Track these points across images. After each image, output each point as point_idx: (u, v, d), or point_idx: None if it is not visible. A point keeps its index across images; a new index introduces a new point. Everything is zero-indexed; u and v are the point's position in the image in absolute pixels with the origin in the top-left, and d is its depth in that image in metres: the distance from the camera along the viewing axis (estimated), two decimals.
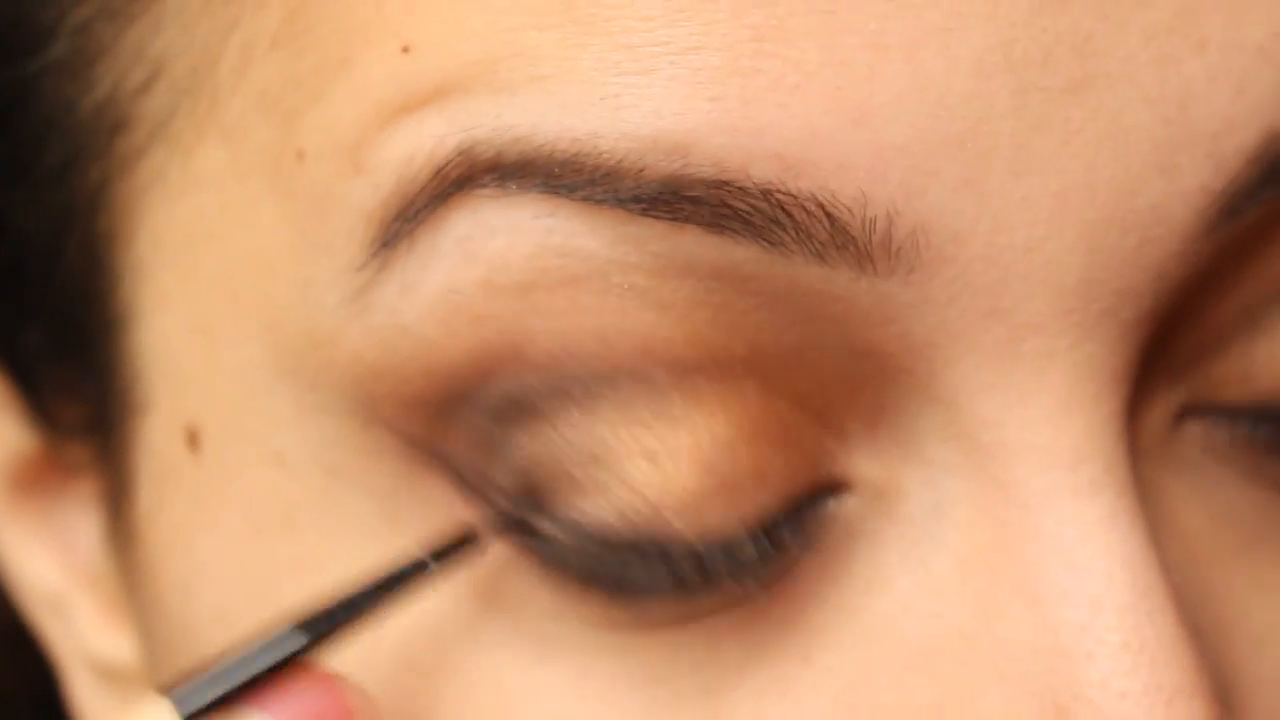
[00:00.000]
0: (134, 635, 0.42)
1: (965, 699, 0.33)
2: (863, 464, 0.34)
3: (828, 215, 0.31)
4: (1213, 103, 0.32)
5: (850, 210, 0.31)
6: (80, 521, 0.43)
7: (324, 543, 0.35)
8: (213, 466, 0.36)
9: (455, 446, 0.34)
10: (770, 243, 0.32)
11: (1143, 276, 0.32)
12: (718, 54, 0.31)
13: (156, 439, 0.37)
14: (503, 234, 0.32)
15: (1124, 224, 0.32)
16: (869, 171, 0.31)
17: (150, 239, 0.37)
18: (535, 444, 0.33)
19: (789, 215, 0.31)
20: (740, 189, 0.31)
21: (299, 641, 0.33)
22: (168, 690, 0.33)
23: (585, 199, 0.32)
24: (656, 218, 0.32)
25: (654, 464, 0.33)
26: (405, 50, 0.33)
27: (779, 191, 0.31)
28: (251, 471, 0.36)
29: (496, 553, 0.34)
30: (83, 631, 0.43)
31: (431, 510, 0.34)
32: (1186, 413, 0.35)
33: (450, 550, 0.34)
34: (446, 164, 0.32)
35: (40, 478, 0.42)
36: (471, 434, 0.33)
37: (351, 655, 0.35)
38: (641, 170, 0.31)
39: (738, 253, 0.32)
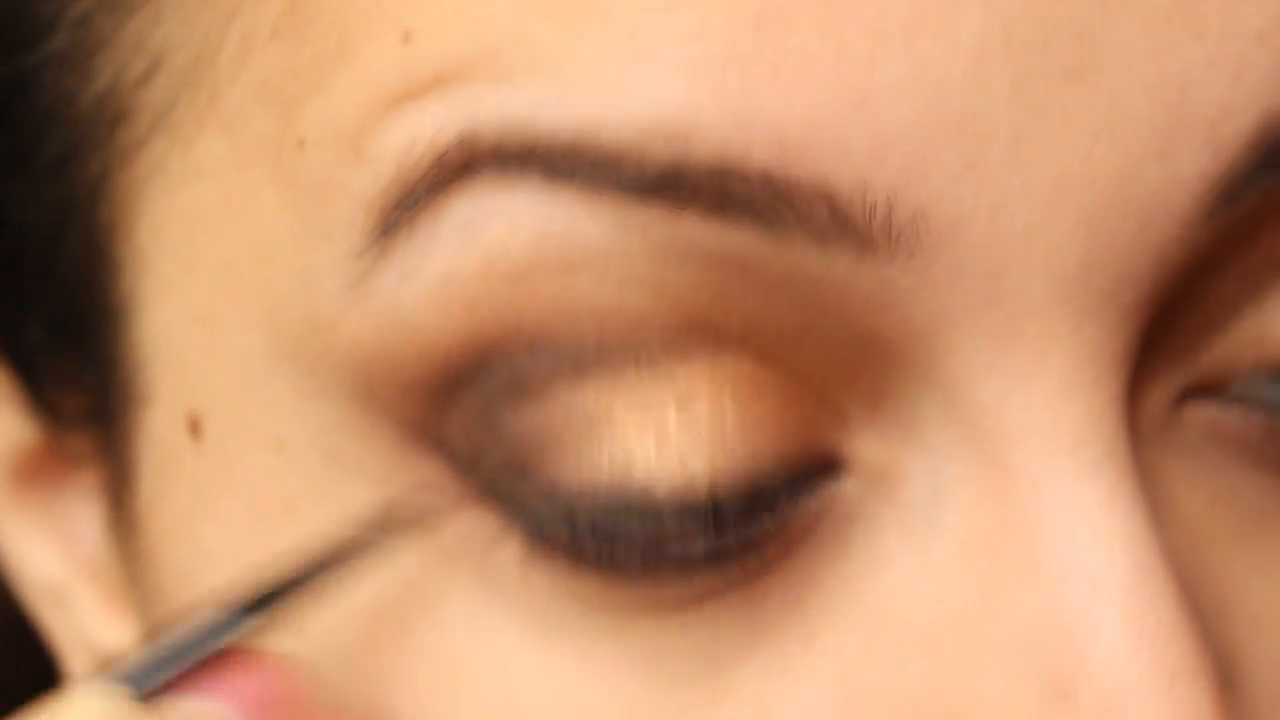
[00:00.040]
0: (136, 626, 0.42)
1: (966, 680, 0.33)
2: (862, 447, 0.34)
3: (828, 200, 0.31)
4: (1211, 89, 0.32)
5: (850, 195, 0.31)
6: (82, 513, 0.43)
7: (321, 530, 0.35)
8: (214, 454, 0.36)
9: (450, 430, 0.34)
10: (771, 228, 0.32)
11: (1142, 261, 0.33)
12: (718, 41, 0.31)
13: (158, 428, 0.37)
14: (502, 221, 0.32)
15: (1123, 209, 0.32)
16: (869, 157, 0.31)
17: (151, 229, 0.37)
18: (526, 419, 0.33)
19: (789, 200, 0.31)
20: (741, 175, 0.31)
21: (243, 621, 0.33)
22: (109, 670, 0.33)
23: (586, 186, 0.32)
24: (657, 204, 0.32)
25: (641, 424, 0.33)
26: (405, 39, 0.33)
27: (779, 177, 0.31)
28: (252, 458, 0.36)
29: (488, 533, 0.34)
30: (84, 622, 0.43)
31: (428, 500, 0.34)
32: (1187, 396, 0.35)
33: (396, 522, 0.34)
34: (447, 152, 0.32)
35: (42, 469, 0.43)
36: (466, 416, 0.33)
37: (352, 642, 0.35)
38: (642, 157, 0.32)
39: (738, 238, 0.32)
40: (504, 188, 0.32)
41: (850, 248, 0.32)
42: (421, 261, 0.33)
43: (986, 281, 0.32)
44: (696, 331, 0.33)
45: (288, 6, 0.34)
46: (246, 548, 0.36)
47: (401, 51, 0.33)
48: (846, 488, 0.34)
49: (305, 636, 0.36)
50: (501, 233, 0.32)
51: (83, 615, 0.43)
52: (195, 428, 0.37)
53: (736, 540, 0.33)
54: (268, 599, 0.34)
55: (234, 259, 0.35)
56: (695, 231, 0.32)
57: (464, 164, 0.32)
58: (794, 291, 0.32)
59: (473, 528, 0.34)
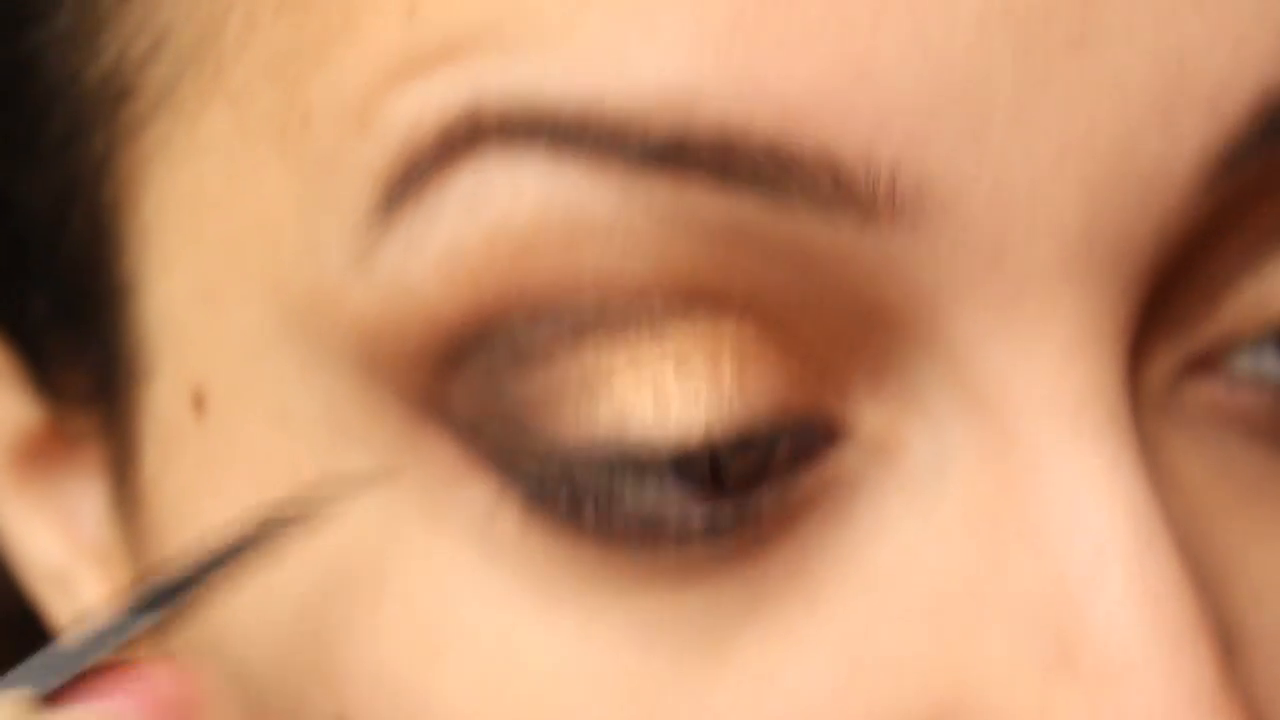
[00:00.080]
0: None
1: (970, 645, 0.33)
2: (864, 416, 0.34)
3: (831, 169, 0.32)
4: (1211, 60, 0.33)
5: (854, 164, 0.32)
6: (84, 496, 0.43)
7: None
8: (218, 429, 0.36)
9: (454, 399, 0.34)
10: (774, 197, 0.32)
11: (1144, 231, 0.33)
12: (721, 11, 0.32)
13: (162, 404, 0.38)
14: (508, 192, 0.33)
15: (1125, 179, 0.32)
16: (872, 126, 0.32)
17: (155, 206, 0.37)
18: (527, 384, 0.33)
19: (793, 169, 0.32)
20: (745, 144, 0.32)
21: (139, 621, 0.33)
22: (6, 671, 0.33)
23: (591, 156, 0.32)
24: (662, 173, 0.32)
25: (639, 381, 0.33)
26: (410, 12, 0.33)
27: (783, 146, 0.32)
28: (256, 432, 0.36)
29: (489, 500, 0.34)
30: (87, 605, 0.43)
31: (430, 470, 0.34)
32: (1188, 371, 0.35)
33: (287, 517, 0.34)
34: (453, 124, 0.33)
35: (44, 452, 0.43)
36: (469, 385, 0.34)
37: (356, 612, 0.35)
38: (646, 127, 0.32)
39: (742, 207, 0.32)
40: (509, 159, 0.33)
41: (853, 216, 0.32)
42: (426, 233, 0.33)
43: (989, 250, 0.32)
44: (699, 298, 0.33)
45: None
46: None
47: (406, 25, 0.33)
48: (848, 457, 0.34)
49: (308, 606, 0.36)
50: (507, 204, 0.33)
51: (86, 598, 0.43)
52: (199, 402, 0.37)
53: (735, 510, 0.33)
54: (163, 598, 0.34)
55: (239, 234, 0.35)
56: (700, 201, 0.32)
57: (469, 136, 0.33)
58: (797, 260, 0.33)
59: (474, 496, 0.34)
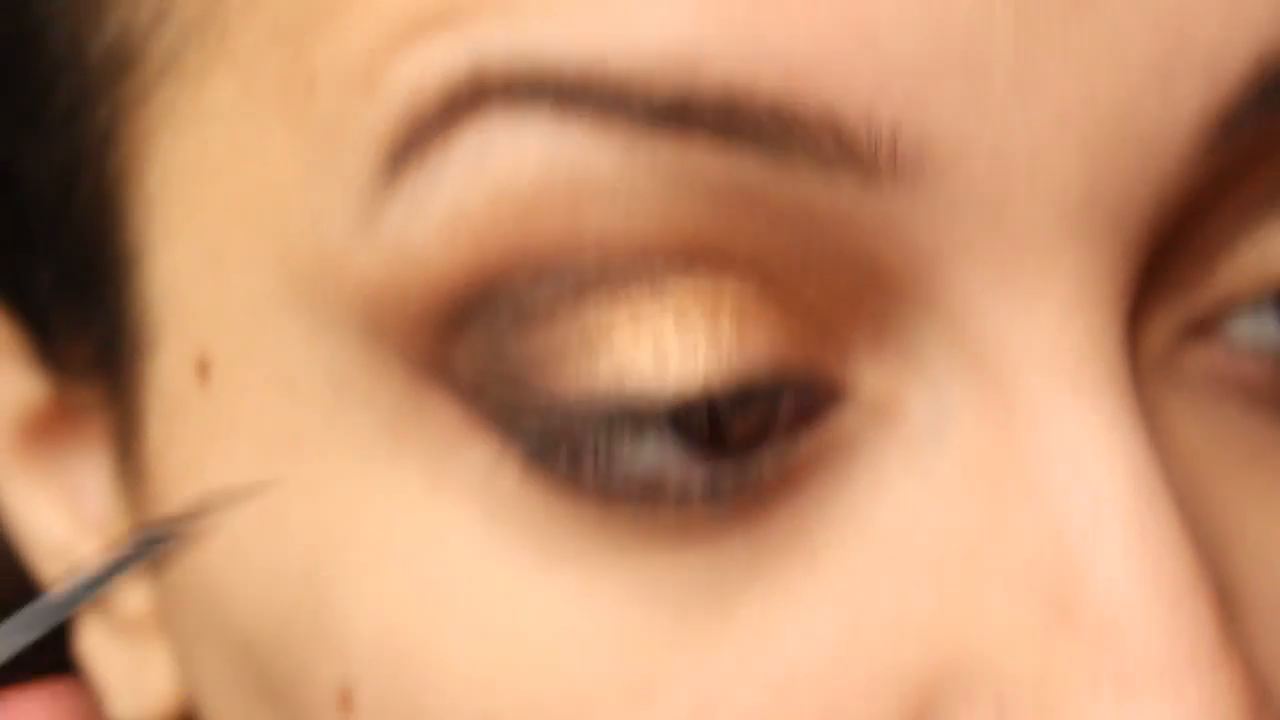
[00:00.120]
0: (144, 583, 0.42)
1: (970, 603, 0.33)
2: (864, 377, 0.34)
3: (834, 129, 0.32)
4: (1208, 25, 0.33)
5: (856, 124, 0.32)
6: (88, 471, 0.43)
7: (330, 465, 0.35)
8: (222, 395, 0.37)
9: (457, 361, 0.34)
10: (777, 156, 0.32)
11: (1143, 193, 0.33)
12: None
13: (166, 373, 0.38)
14: (511, 153, 0.33)
15: (1124, 141, 0.33)
16: (874, 86, 0.32)
17: (160, 175, 0.37)
18: (529, 343, 0.33)
19: (796, 129, 0.32)
20: (748, 103, 0.32)
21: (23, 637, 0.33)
22: None
23: (594, 116, 0.32)
24: (665, 133, 0.32)
25: (638, 335, 0.33)
26: None
27: (786, 106, 0.32)
28: (261, 397, 0.36)
29: (489, 460, 0.34)
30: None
31: (432, 433, 0.35)
32: (1187, 337, 0.35)
33: (149, 547, 0.34)
34: (456, 86, 0.33)
35: (48, 428, 0.43)
36: (472, 347, 0.34)
37: (358, 574, 0.35)
38: (650, 86, 0.32)
39: (745, 167, 0.32)
40: (513, 120, 0.33)
41: (855, 176, 0.32)
42: (430, 195, 0.33)
43: (989, 211, 0.33)
44: (701, 257, 0.33)
45: None
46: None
47: None
48: (848, 418, 0.34)
49: (311, 573, 0.36)
50: (510, 165, 0.33)
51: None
52: (203, 370, 0.37)
53: (735, 472, 0.33)
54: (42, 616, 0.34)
55: (244, 200, 0.36)
56: (703, 160, 0.32)
57: (472, 98, 0.33)
58: (799, 220, 0.33)
59: (476, 457, 0.34)
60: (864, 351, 0.34)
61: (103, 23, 0.37)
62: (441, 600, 0.35)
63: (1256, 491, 0.35)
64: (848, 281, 0.33)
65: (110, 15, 0.37)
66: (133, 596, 0.42)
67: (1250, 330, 0.36)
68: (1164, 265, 0.35)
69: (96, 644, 0.44)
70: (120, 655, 0.43)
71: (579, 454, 0.33)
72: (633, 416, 0.33)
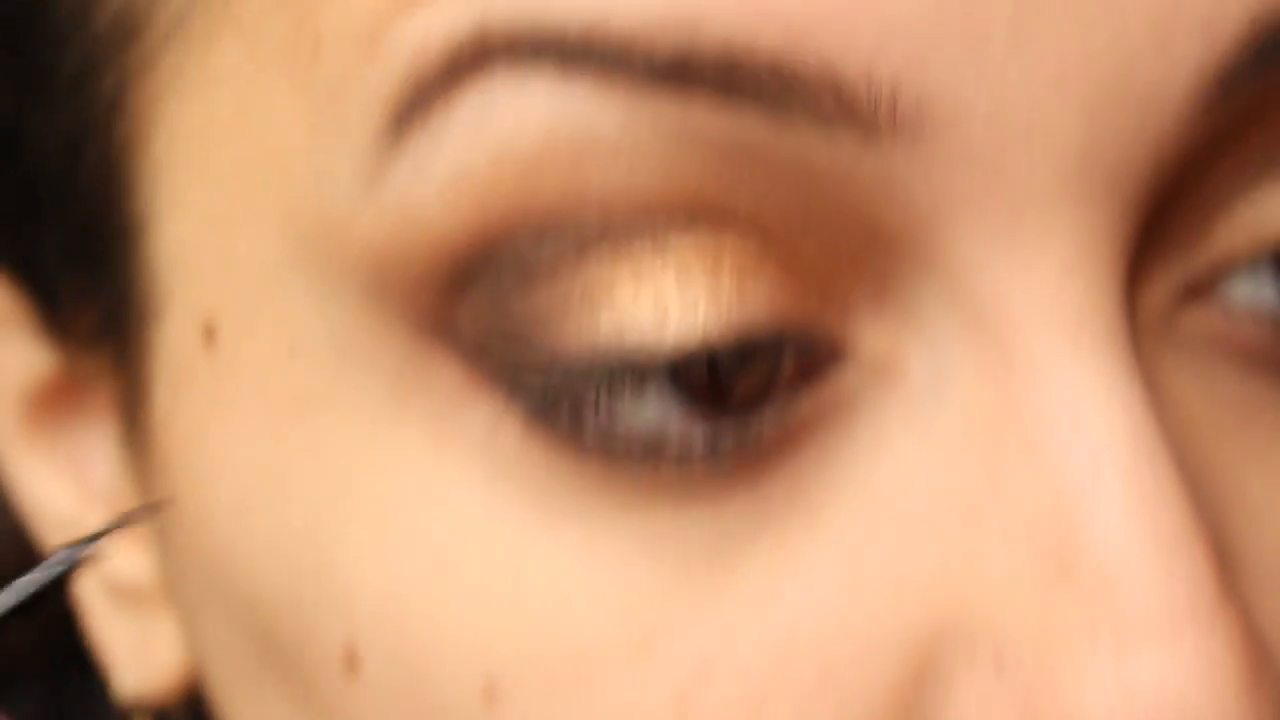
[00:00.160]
0: (150, 553, 0.42)
1: (969, 560, 0.34)
2: (864, 336, 0.34)
3: (834, 87, 0.32)
4: None
5: (855, 82, 0.32)
6: (94, 443, 0.43)
7: (334, 427, 0.36)
8: (228, 360, 0.37)
9: (461, 321, 0.34)
10: (777, 114, 0.32)
11: (1141, 152, 0.33)
12: None
13: (172, 339, 0.38)
14: (514, 113, 0.33)
15: (1122, 100, 0.33)
16: (873, 45, 0.32)
17: (166, 141, 0.37)
18: (532, 300, 0.34)
19: (796, 87, 0.32)
20: (748, 61, 0.32)
21: None
22: None
23: (597, 75, 0.33)
24: (667, 91, 0.32)
25: (639, 291, 0.33)
26: None
27: (786, 63, 0.32)
28: (266, 360, 0.36)
29: (491, 417, 0.34)
30: (98, 553, 0.43)
31: (436, 392, 0.35)
32: (1185, 299, 0.36)
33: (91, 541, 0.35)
34: (460, 46, 0.33)
35: (54, 400, 0.43)
36: (475, 306, 0.34)
37: (361, 535, 0.35)
38: (651, 44, 0.32)
39: (746, 125, 0.33)
40: (516, 80, 0.33)
41: (855, 134, 0.32)
42: (434, 156, 0.34)
43: (988, 170, 0.33)
44: (702, 214, 0.33)
45: None
46: (258, 450, 0.37)
47: None
48: (848, 377, 0.34)
49: (316, 535, 0.36)
50: (513, 125, 0.33)
51: (97, 548, 0.43)
52: (209, 335, 0.37)
53: (735, 431, 0.34)
54: None
55: (249, 164, 0.36)
56: (704, 118, 0.33)
57: (476, 58, 0.33)
58: (800, 178, 0.33)
59: (479, 416, 0.35)
60: (864, 310, 0.34)
61: None
62: (445, 557, 0.35)
63: (1254, 452, 0.36)
64: (848, 240, 0.34)
65: None
66: (138, 567, 0.43)
67: (1247, 293, 0.36)
68: (1161, 225, 0.35)
69: (101, 617, 0.44)
70: (125, 627, 0.43)
71: (580, 410, 0.34)
72: (633, 371, 0.33)
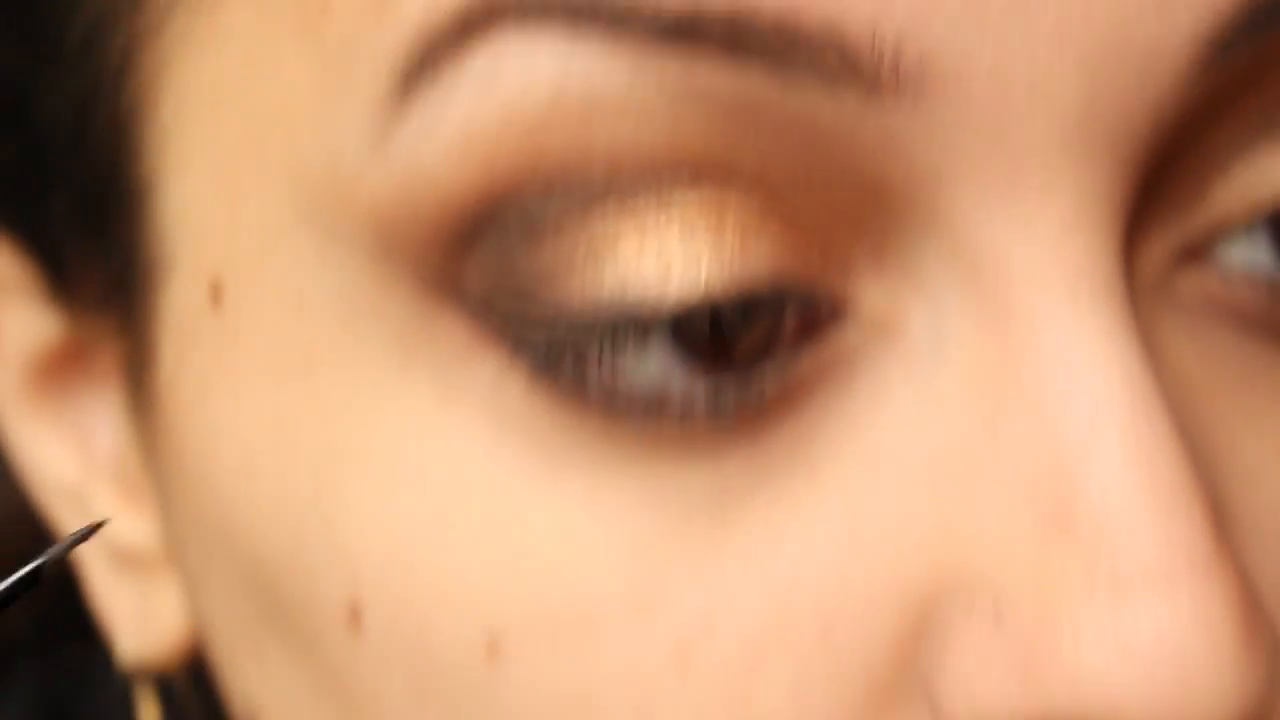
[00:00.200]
0: (154, 517, 0.43)
1: (968, 513, 0.34)
2: (866, 294, 0.35)
3: (838, 44, 0.33)
4: None
5: (859, 39, 0.33)
6: (98, 411, 0.43)
7: (341, 385, 0.36)
8: (234, 318, 0.37)
9: (466, 277, 0.35)
10: (782, 72, 0.33)
11: (1140, 111, 0.34)
12: None
13: (179, 300, 0.38)
14: (522, 72, 0.33)
15: (1122, 59, 0.33)
16: (877, 3, 0.32)
17: (174, 104, 0.38)
18: (537, 255, 0.34)
19: (801, 45, 0.33)
20: (754, 20, 0.33)
21: None
22: None
23: (604, 33, 0.33)
24: (673, 49, 0.33)
25: (643, 245, 0.34)
26: None
27: (791, 21, 0.32)
28: (272, 319, 0.37)
29: (496, 371, 0.35)
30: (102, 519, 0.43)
31: (442, 348, 0.35)
32: (1182, 260, 0.36)
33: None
34: (469, 6, 0.33)
35: (59, 367, 0.43)
36: (481, 262, 0.34)
37: (365, 486, 0.36)
38: (658, 4, 0.33)
39: (751, 83, 0.33)
40: (524, 38, 0.33)
41: (858, 92, 0.33)
42: (441, 114, 0.34)
43: (989, 127, 0.33)
44: (707, 172, 0.34)
45: None
46: (265, 409, 0.37)
47: None
48: (849, 334, 0.35)
49: (321, 491, 0.36)
50: (521, 84, 0.33)
51: (100, 512, 0.43)
52: (216, 294, 0.37)
53: (737, 387, 0.34)
54: None
55: (257, 124, 0.36)
56: (710, 76, 0.33)
57: (485, 17, 0.33)
58: (803, 136, 0.33)
59: (483, 371, 0.35)
60: (865, 268, 0.35)
61: None
62: (450, 512, 0.35)
63: (1248, 412, 0.36)
64: (850, 198, 0.34)
65: None
66: (140, 533, 0.43)
67: (1243, 256, 0.36)
68: (1159, 186, 0.35)
69: (103, 583, 0.44)
70: (128, 592, 0.44)
71: (584, 365, 0.34)
72: (636, 325, 0.34)
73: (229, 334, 0.37)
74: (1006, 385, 0.34)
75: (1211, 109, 0.35)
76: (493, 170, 0.34)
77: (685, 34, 0.33)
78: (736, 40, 0.33)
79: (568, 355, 0.34)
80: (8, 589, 0.35)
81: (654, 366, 0.34)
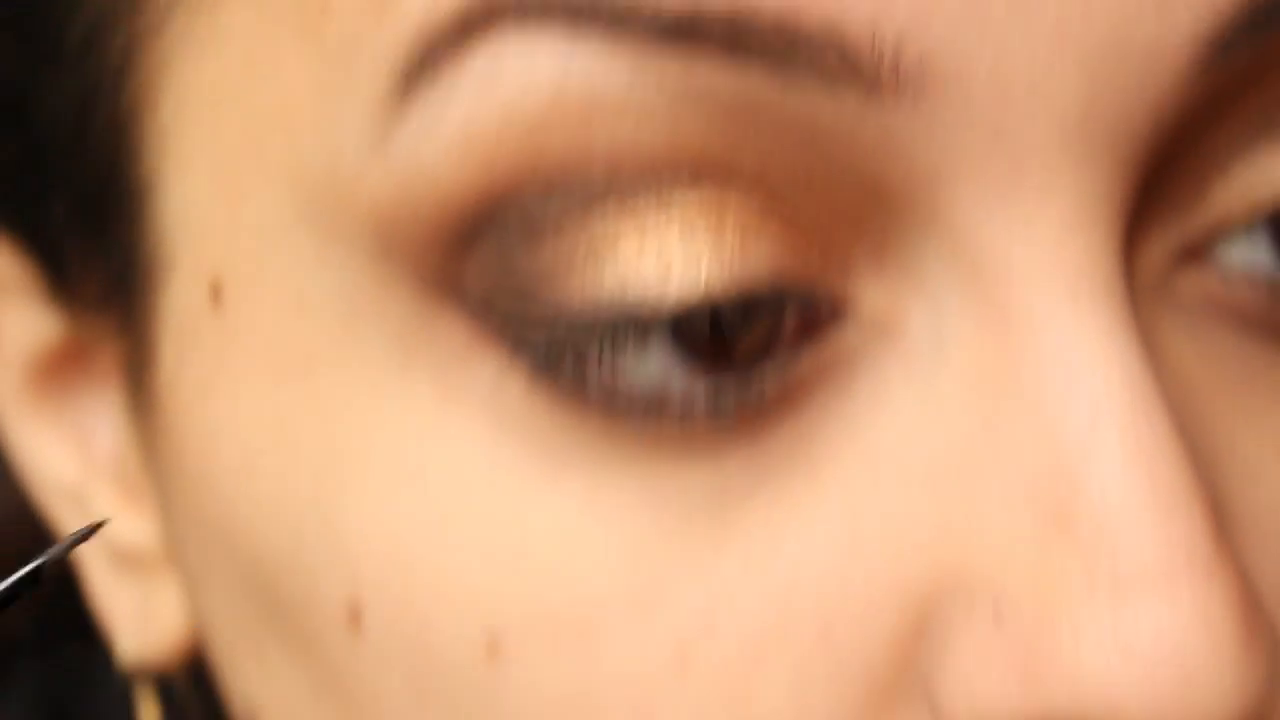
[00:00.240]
0: (154, 517, 0.43)
1: (968, 514, 0.34)
2: (866, 293, 0.35)
3: (838, 44, 0.33)
4: None
5: (859, 39, 0.33)
6: (98, 411, 0.43)
7: (341, 385, 0.36)
8: (235, 319, 0.37)
9: (466, 277, 0.35)
10: (782, 72, 0.33)
11: (1140, 112, 0.34)
12: None
13: (180, 300, 0.38)
14: (522, 72, 0.33)
15: (1122, 60, 0.33)
16: (877, 3, 0.32)
17: (174, 104, 0.38)
18: (537, 255, 0.34)
19: (801, 45, 0.33)
20: (754, 20, 0.33)
21: None
22: None
23: (605, 34, 0.33)
24: (674, 49, 0.33)
25: (643, 246, 0.34)
26: None
27: (791, 21, 0.32)
28: (273, 320, 0.37)
29: (496, 371, 0.35)
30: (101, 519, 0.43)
31: (442, 348, 0.35)
32: (1182, 261, 0.36)
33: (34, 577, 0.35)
34: (469, 6, 0.34)
35: (59, 367, 0.43)
36: (481, 262, 0.34)
37: (366, 485, 0.36)
38: (658, 4, 0.33)
39: (751, 83, 0.33)
40: (524, 39, 0.33)
41: (858, 91, 0.33)
42: (442, 115, 0.34)
43: (990, 128, 0.33)
44: (707, 172, 0.34)
45: None
46: (265, 409, 0.37)
47: None
48: (849, 335, 0.35)
49: (321, 492, 0.36)
50: (522, 84, 0.33)
51: (100, 512, 0.43)
52: (216, 295, 0.37)
53: (737, 387, 0.34)
54: None
55: (257, 124, 0.36)
56: (710, 76, 0.33)
57: (485, 17, 0.33)
58: (804, 136, 0.33)
59: (483, 371, 0.35)
60: (865, 268, 0.35)
61: None
62: (450, 512, 0.35)
63: (1248, 412, 0.36)
64: (850, 198, 0.34)
65: None
66: (140, 533, 0.43)
67: (1243, 256, 0.36)
68: (1159, 186, 0.35)
69: (103, 583, 0.44)
70: (128, 592, 0.44)
71: (584, 365, 0.34)
72: (636, 325, 0.34)
73: (229, 334, 0.37)
74: (1006, 385, 0.34)
75: (1211, 109, 0.35)
76: (493, 170, 0.34)
77: (685, 34, 0.33)
78: (736, 40, 0.33)
79: (568, 355, 0.34)
80: (8, 589, 0.35)
81: (654, 367, 0.34)
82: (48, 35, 0.39)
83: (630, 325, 0.34)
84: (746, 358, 0.34)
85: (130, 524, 0.43)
